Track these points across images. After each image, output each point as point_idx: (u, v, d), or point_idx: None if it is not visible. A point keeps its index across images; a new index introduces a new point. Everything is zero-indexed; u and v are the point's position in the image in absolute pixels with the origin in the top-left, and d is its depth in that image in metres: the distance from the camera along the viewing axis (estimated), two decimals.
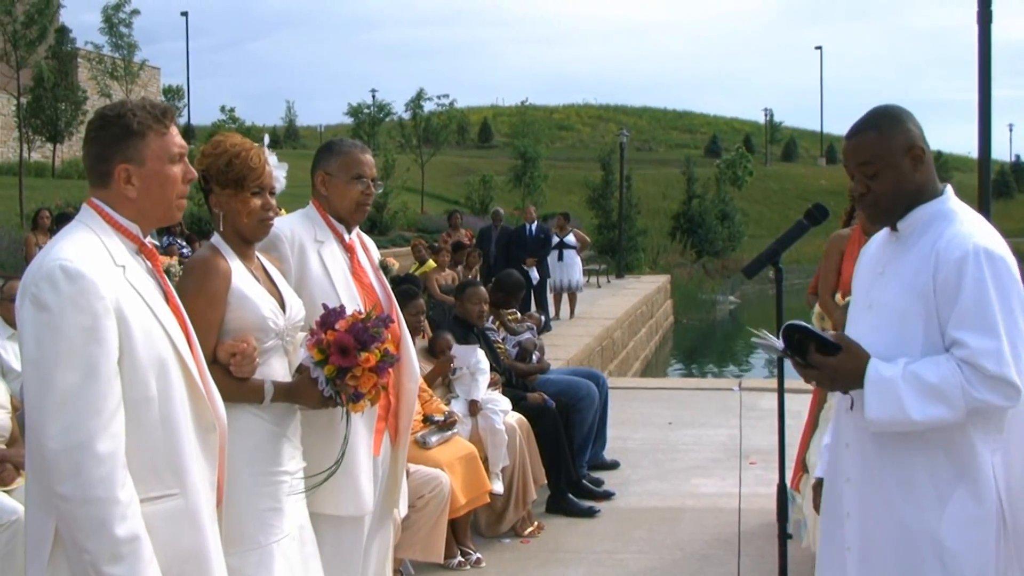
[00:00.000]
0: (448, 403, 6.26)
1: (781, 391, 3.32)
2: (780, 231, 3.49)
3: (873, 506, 2.83)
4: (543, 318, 13.62)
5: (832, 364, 2.78)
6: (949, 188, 2.91)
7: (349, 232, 3.85)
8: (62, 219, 12.94)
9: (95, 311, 2.44)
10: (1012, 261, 2.76)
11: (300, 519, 3.27)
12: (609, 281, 27.80)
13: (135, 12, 29.90)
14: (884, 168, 2.84)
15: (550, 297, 17.80)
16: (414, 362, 3.87)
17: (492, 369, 6.65)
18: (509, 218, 20.45)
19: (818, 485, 3.32)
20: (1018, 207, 65.74)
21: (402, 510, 3.99)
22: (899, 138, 2.84)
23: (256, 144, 3.37)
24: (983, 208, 10.01)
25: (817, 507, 3.33)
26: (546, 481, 6.77)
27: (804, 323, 2.85)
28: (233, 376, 3.10)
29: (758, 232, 48.92)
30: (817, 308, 5.52)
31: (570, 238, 18.50)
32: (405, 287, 6.72)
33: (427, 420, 5.89)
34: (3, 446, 5.13)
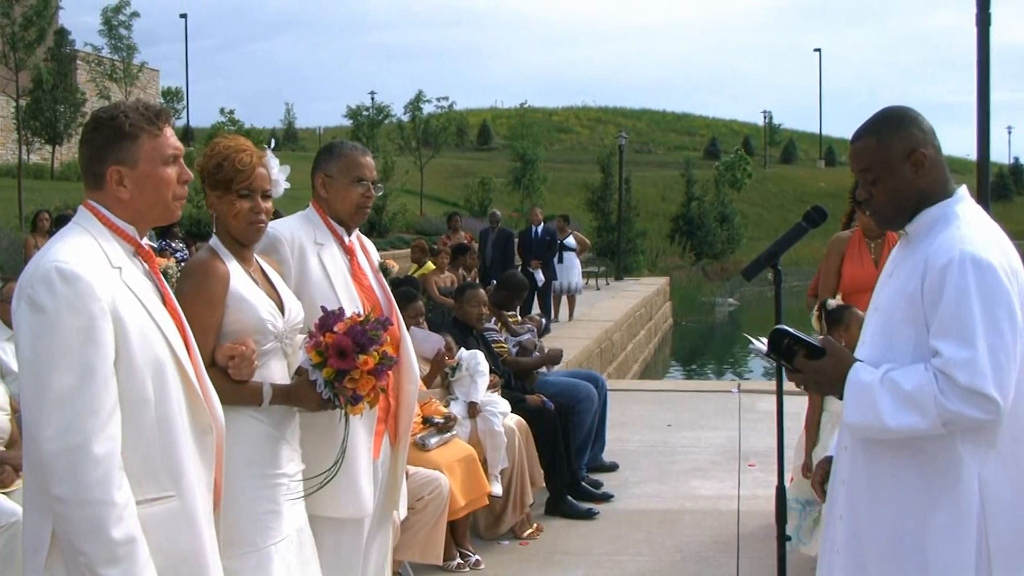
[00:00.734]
0: (447, 405, 6.26)
1: (780, 393, 3.31)
2: (779, 233, 3.49)
3: (861, 510, 2.81)
4: (543, 320, 13.62)
5: (815, 368, 2.78)
6: (961, 190, 2.85)
7: (349, 234, 3.85)
8: (61, 221, 12.95)
9: (91, 313, 2.44)
10: (1016, 268, 2.69)
11: (299, 521, 3.27)
12: (608, 283, 27.83)
13: (134, 14, 29.88)
14: (883, 175, 2.81)
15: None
16: (414, 364, 3.87)
17: (491, 371, 6.65)
18: (508, 220, 20.47)
19: (824, 462, 3.37)
20: (1017, 210, 65.70)
21: (401, 512, 3.99)
22: (899, 144, 2.80)
23: (254, 147, 3.37)
24: None
25: (816, 482, 3.40)
26: (545, 483, 6.76)
27: (789, 328, 2.86)
28: (231, 379, 3.10)
29: (757, 234, 48.92)
30: (816, 310, 5.52)
31: (570, 240, 18.52)
32: (404, 289, 6.72)
33: (426, 422, 5.89)
34: (2, 448, 5.12)
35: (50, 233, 13.57)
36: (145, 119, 2.65)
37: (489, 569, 5.89)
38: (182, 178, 2.72)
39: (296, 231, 3.72)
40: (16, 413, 5.20)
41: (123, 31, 30.06)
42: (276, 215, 3.66)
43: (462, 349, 6.48)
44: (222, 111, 34.38)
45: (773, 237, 4.19)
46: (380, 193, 4.00)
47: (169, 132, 2.71)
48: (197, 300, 3.09)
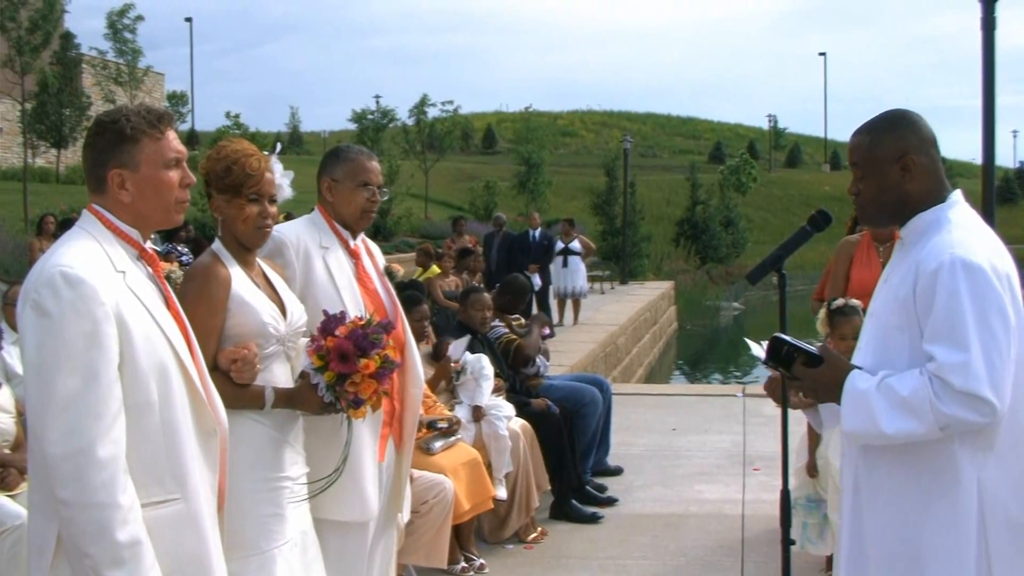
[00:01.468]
0: (452, 409, 6.26)
1: (784, 398, 3.31)
2: (784, 237, 3.49)
3: (861, 515, 2.81)
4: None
5: (812, 375, 2.79)
6: (955, 194, 2.85)
7: (354, 238, 3.86)
8: (66, 224, 12.94)
9: (95, 317, 2.44)
10: (1008, 272, 2.68)
11: (303, 525, 3.27)
12: (613, 287, 27.79)
13: (139, 18, 29.96)
14: (870, 173, 2.84)
15: (553, 303, 17.79)
16: (418, 368, 3.88)
17: (496, 375, 6.65)
18: (513, 224, 20.44)
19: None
20: (1022, 213, 65.60)
21: (406, 515, 4.00)
22: (890, 146, 2.81)
23: (260, 151, 3.37)
24: (987, 215, 9.99)
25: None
26: (549, 487, 6.76)
27: (787, 336, 2.87)
28: (234, 382, 3.10)
29: (762, 238, 48.81)
30: (821, 314, 5.52)
31: (575, 244, 18.49)
32: (409, 293, 6.72)
33: (431, 426, 5.88)
34: (8, 451, 5.13)
35: (55, 236, 13.59)
36: (147, 122, 2.65)
37: (493, 573, 5.89)
38: (184, 182, 2.72)
39: (301, 235, 3.72)
40: (21, 416, 5.20)
41: (128, 35, 30.15)
42: (288, 217, 3.66)
43: (467, 353, 6.48)
44: (227, 115, 34.39)
45: (778, 241, 4.19)
46: (386, 197, 4.00)
47: (172, 136, 2.71)
48: (199, 304, 3.09)
